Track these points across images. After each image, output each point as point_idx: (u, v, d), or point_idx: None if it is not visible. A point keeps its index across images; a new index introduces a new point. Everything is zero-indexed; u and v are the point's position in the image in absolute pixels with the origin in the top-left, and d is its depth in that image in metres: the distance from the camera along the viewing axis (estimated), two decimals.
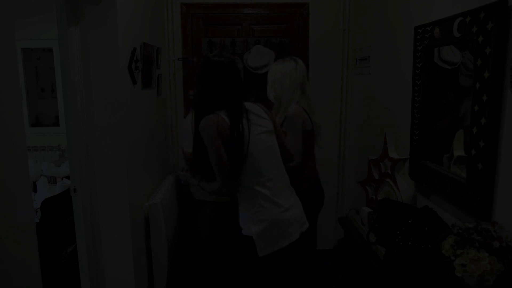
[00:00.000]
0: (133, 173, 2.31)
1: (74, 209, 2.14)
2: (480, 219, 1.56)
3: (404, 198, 2.11)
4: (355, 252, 2.25)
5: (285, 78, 2.35)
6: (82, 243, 2.17)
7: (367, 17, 3.03)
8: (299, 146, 2.27)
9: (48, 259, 2.31)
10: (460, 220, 1.74)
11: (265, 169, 1.81)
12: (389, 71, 2.61)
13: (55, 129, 3.70)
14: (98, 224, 2.22)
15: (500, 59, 1.44)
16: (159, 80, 2.99)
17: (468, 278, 1.36)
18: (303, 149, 2.29)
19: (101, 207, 2.21)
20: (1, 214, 1.24)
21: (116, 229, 2.23)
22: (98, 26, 2.06)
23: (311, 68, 3.32)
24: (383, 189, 2.30)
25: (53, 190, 2.97)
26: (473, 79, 1.58)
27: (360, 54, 3.15)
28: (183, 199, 3.16)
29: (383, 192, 2.29)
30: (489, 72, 1.49)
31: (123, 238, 2.25)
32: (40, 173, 3.25)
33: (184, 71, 3.34)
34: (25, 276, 1.37)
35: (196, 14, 3.32)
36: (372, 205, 2.40)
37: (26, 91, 3.62)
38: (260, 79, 3.06)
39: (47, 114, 3.79)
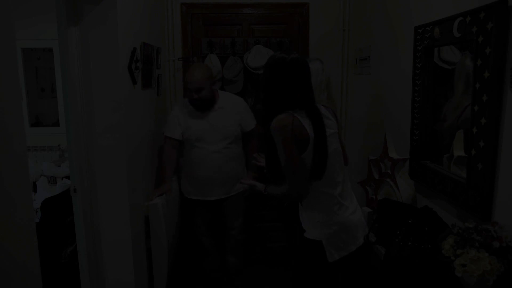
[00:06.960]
0: (133, 173, 2.30)
1: (74, 209, 2.14)
2: (480, 219, 1.56)
3: (404, 198, 2.11)
4: (355, 252, 2.24)
5: (312, 79, 2.27)
6: (82, 243, 2.17)
7: (367, 17, 3.03)
8: None
9: (48, 259, 2.31)
10: (460, 220, 1.74)
11: (335, 172, 1.77)
12: (389, 71, 2.61)
13: (55, 129, 3.69)
14: (98, 224, 2.21)
15: (500, 59, 1.44)
16: (159, 80, 2.99)
17: (468, 278, 1.36)
18: None
19: (101, 207, 2.20)
20: (1, 214, 1.24)
21: (116, 229, 2.23)
22: (98, 26, 2.06)
23: None
24: (383, 189, 2.30)
25: (53, 190, 2.97)
26: (473, 79, 1.59)
27: (360, 54, 3.15)
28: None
29: (383, 192, 2.30)
30: (489, 72, 1.49)
31: (123, 238, 2.24)
32: (40, 173, 3.25)
33: (184, 71, 3.34)
34: (25, 276, 1.37)
35: (196, 14, 3.32)
36: (372, 205, 2.40)
37: (26, 91, 3.62)
38: (260, 80, 3.05)
39: (47, 114, 3.79)
